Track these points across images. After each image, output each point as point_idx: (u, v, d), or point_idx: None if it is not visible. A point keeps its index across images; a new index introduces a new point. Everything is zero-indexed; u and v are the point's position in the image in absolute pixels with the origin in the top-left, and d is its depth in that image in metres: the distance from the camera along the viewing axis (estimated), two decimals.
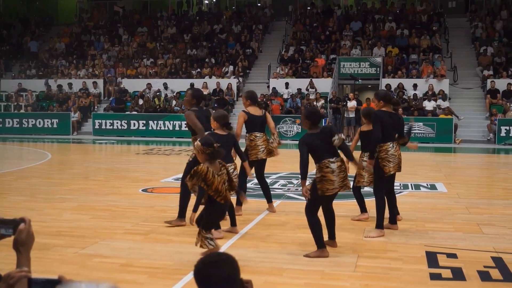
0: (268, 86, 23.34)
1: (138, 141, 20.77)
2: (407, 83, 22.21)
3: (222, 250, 5.44)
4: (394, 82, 22.30)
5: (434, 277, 5.03)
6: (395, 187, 9.76)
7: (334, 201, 5.93)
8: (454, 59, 23.59)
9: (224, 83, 23.79)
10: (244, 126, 7.58)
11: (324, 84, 22.85)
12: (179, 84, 24.18)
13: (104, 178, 11.52)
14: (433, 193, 9.61)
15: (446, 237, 6.45)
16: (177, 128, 22.07)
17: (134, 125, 22.76)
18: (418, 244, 6.12)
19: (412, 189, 9.90)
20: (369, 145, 6.58)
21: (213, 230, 5.46)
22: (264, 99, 21.67)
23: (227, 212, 6.04)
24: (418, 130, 20.04)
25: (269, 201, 7.79)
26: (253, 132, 7.56)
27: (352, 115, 21.12)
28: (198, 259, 2.17)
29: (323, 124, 20.65)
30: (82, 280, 1.67)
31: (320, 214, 5.77)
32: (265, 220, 7.34)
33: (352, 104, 21.22)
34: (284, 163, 12.92)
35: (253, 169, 7.58)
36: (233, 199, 7.80)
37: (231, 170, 6.13)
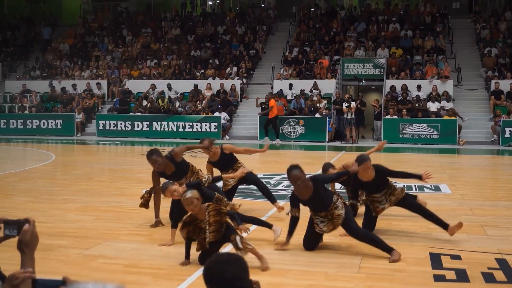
0: (272, 87, 23.33)
1: (142, 142, 20.78)
2: (411, 84, 22.16)
3: (226, 251, 5.44)
4: (398, 83, 22.27)
5: (438, 278, 5.02)
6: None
7: None
8: (458, 60, 23.53)
9: (227, 84, 23.79)
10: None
11: (328, 85, 22.82)
12: (183, 85, 24.21)
13: (108, 179, 11.54)
14: (437, 194, 9.59)
15: (450, 238, 6.43)
16: (180, 129, 22.00)
17: (138, 126, 22.78)
18: (422, 245, 6.11)
19: (416, 190, 9.88)
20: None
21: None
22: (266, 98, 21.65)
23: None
24: (422, 131, 20.00)
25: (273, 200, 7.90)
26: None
27: (350, 116, 20.57)
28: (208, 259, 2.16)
29: (327, 125, 20.64)
30: (89, 281, 1.67)
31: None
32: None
33: (352, 104, 20.99)
34: (287, 164, 12.88)
35: None
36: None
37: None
